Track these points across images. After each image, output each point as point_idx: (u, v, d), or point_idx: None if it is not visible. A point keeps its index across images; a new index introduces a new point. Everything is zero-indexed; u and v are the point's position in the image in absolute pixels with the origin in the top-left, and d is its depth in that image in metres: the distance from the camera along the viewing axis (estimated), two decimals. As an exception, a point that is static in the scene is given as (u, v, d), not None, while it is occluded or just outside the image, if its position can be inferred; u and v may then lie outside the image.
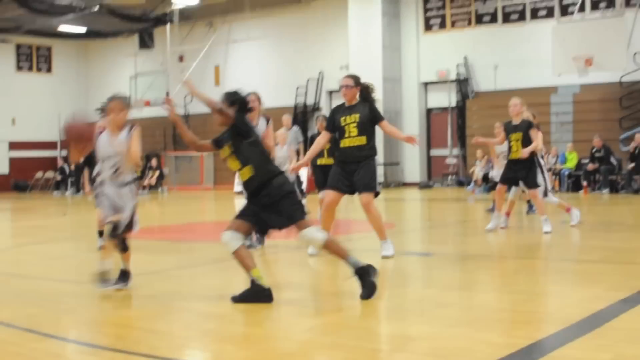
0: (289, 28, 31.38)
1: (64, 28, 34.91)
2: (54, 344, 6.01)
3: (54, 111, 36.19)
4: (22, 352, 5.64)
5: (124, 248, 7.93)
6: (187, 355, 5.57)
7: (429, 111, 29.99)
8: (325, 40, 30.45)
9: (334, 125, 9.93)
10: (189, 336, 6.15)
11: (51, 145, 36.23)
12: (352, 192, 9.87)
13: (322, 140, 10.15)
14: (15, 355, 5.55)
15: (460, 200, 21.58)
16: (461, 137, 28.63)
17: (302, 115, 29.35)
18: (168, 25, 32.22)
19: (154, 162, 30.60)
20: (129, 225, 7.84)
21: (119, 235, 7.74)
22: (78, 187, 29.99)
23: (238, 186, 26.29)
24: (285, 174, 7.67)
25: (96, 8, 30.26)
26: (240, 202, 8.98)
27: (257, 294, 7.23)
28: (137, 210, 7.99)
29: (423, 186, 28.43)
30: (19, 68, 36.91)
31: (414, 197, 16.24)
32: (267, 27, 31.73)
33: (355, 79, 9.99)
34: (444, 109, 29.43)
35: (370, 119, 9.79)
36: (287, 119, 16.17)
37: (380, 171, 27.58)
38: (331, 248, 7.37)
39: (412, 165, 29.56)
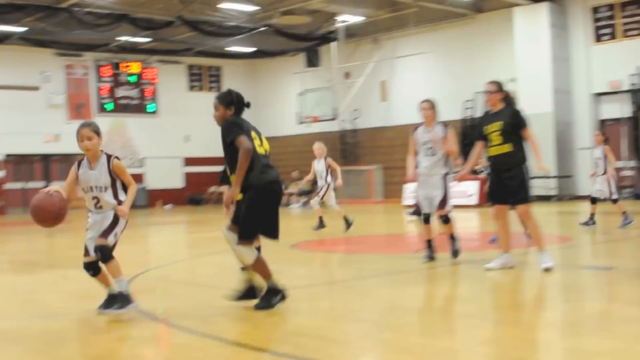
0: (455, 42, 31.17)
1: (232, 48, 35.98)
2: (236, 351, 6.18)
3: (225, 128, 37.29)
4: (205, 358, 5.82)
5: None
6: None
7: (602, 122, 29.09)
8: (492, 54, 30.05)
9: (481, 133, 9.86)
10: (366, 346, 6.19)
11: (222, 161, 37.26)
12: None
13: (476, 149, 10.09)
14: (199, 360, 5.74)
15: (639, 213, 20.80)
16: (637, 149, 27.61)
17: (470, 129, 29.05)
18: (334, 43, 32.64)
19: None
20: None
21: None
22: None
23: (408, 200, 26.31)
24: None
25: (263, 28, 31.04)
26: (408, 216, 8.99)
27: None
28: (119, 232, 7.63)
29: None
30: (191, 87, 38.23)
31: (589, 210, 15.75)
32: (432, 41, 31.62)
33: (498, 84, 9.89)
34: (618, 120, 28.47)
35: (514, 125, 9.64)
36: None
37: (552, 184, 26.99)
38: (257, 267, 7.55)
39: (586, 178, 28.72)
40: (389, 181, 31.62)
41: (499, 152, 9.72)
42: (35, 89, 33.31)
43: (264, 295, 7.50)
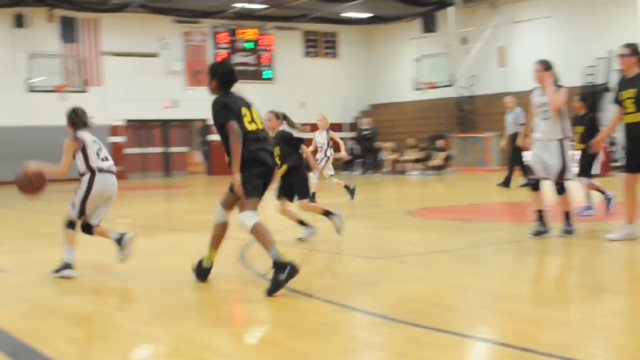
0: (575, 6, 30.25)
1: (348, 14, 35.84)
2: (354, 316, 6.17)
3: (339, 95, 37.30)
4: (324, 322, 5.83)
5: None
6: (485, 333, 5.51)
7: None
8: (613, 17, 29.05)
9: (617, 98, 9.46)
10: (485, 315, 6.09)
11: (339, 128, 37.35)
12: None
13: (615, 116, 9.71)
14: (317, 325, 5.75)
15: None
16: None
17: (591, 95, 28.23)
18: (451, 8, 32.16)
19: (440, 143, 30.73)
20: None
21: None
22: (366, 167, 30.69)
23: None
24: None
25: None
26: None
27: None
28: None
29: None
30: (307, 54, 38.30)
31: None
32: (553, 6, 30.78)
33: (633, 47, 9.40)
34: None
35: None
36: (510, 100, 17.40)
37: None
38: (257, 234, 7.11)
39: None
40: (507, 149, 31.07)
41: (632, 121, 9.32)
42: (155, 55, 33.95)
43: (272, 277, 6.85)
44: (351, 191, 16.14)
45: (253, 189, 7.21)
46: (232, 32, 35.73)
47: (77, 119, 8.49)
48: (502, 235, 11.30)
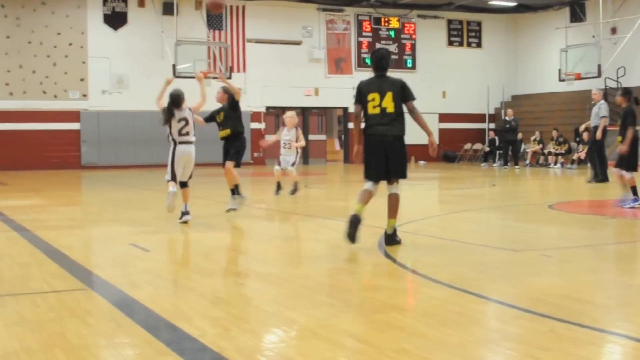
0: None
1: (494, 2, 35.27)
2: (494, 307, 6.06)
3: (481, 85, 36.77)
4: (463, 312, 5.74)
5: None
6: (631, 331, 5.30)
7: None
8: None
9: None
10: (631, 312, 5.87)
11: (480, 118, 36.87)
12: None
13: None
14: (456, 315, 5.66)
15: None
16: None
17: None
18: (602, -4, 31.20)
19: (584, 136, 29.88)
20: None
21: None
22: (506, 159, 30.18)
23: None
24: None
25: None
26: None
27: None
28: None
29: None
30: (450, 43, 37.89)
31: None
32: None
33: None
34: None
35: None
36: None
37: None
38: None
39: None
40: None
41: None
42: (298, 43, 34.30)
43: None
44: (293, 190, 15.96)
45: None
46: (376, 20, 35.71)
47: None
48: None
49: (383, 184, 8.94)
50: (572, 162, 29.20)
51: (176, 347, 4.86)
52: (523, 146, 32.05)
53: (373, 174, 8.90)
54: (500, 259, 8.34)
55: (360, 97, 8.89)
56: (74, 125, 30.88)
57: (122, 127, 31.05)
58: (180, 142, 11.35)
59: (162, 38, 30.87)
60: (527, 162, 31.11)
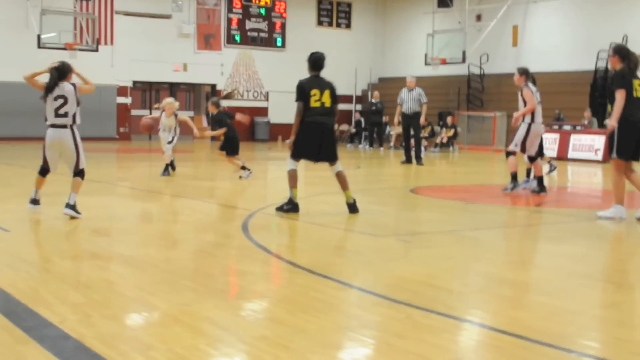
0: (593, -12, 30.08)
1: (365, -16, 35.71)
2: (353, 294, 6.22)
3: (349, 66, 37.17)
4: (323, 299, 5.87)
5: None
6: (483, 319, 5.54)
7: None
8: (631, 2, 28.87)
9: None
10: (483, 299, 6.13)
11: (347, 99, 37.29)
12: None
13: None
14: (316, 301, 5.79)
15: None
16: None
17: (602, 81, 28.12)
18: (467, -16, 32.01)
19: (448, 120, 30.68)
20: None
21: None
22: (371, 141, 30.67)
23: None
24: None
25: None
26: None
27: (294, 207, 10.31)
28: None
29: None
30: (320, 23, 38.13)
31: None
32: (570, -14, 30.61)
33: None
34: None
35: None
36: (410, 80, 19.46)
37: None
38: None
39: None
40: (512, 129, 30.95)
41: None
42: (167, 17, 33.83)
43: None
44: (167, 168, 16.25)
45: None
46: (246, -3, 35.58)
47: None
48: (502, 218, 11.34)
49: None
50: (436, 145, 29.92)
51: (36, 334, 4.80)
52: (388, 128, 32.60)
53: (302, 154, 10.63)
54: (361, 244, 8.53)
55: (304, 94, 10.45)
56: None
57: (-18, 98, 29.97)
58: (53, 125, 9.65)
59: (26, 6, 29.89)
60: (392, 144, 31.68)
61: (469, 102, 32.96)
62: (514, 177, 13.45)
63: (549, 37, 30.71)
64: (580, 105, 27.58)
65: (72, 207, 9.52)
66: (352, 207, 10.52)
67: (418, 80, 22.15)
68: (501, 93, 31.53)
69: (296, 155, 10.61)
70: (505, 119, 30.96)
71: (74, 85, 9.68)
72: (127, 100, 33.15)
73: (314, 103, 10.42)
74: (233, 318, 5.37)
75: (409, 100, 20.84)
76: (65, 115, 9.55)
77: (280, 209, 10.47)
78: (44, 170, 9.90)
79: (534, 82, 13.38)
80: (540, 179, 13.50)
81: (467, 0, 31.72)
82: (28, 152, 21.99)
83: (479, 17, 33.27)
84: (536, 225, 10.50)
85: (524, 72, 13.46)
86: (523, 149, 13.31)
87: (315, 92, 10.49)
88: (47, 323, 5.04)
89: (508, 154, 13.58)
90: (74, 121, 9.62)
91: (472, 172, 19.04)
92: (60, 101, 9.53)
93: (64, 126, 9.58)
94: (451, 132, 30.29)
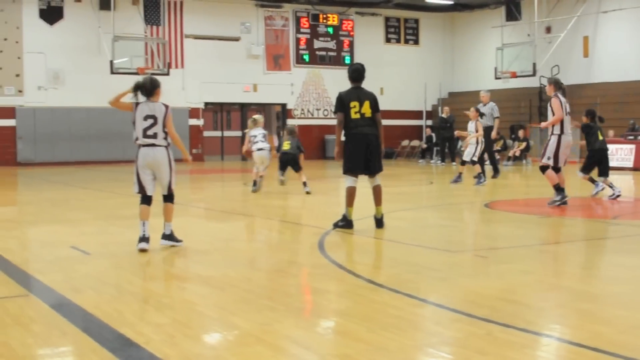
0: (665, -4, 29.56)
1: (431, 1, 35.65)
2: (432, 310, 6.21)
3: (420, 82, 37.16)
4: (402, 316, 5.88)
5: None
6: (563, 334, 5.49)
7: None
8: None
9: None
10: (563, 315, 6.07)
11: (418, 115, 37.27)
12: None
13: None
14: (395, 318, 5.80)
15: None
16: None
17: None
18: (538, -4, 31.75)
19: (520, 133, 30.41)
20: None
21: None
22: (443, 156, 30.56)
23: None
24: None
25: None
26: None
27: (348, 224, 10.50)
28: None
29: None
30: (388, 40, 38.20)
31: None
32: (642, -4, 30.14)
33: None
34: None
35: None
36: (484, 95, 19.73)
37: None
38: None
39: None
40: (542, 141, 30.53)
41: None
42: (236, 39, 34.27)
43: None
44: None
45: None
46: (314, 17, 35.83)
47: None
48: (581, 231, 11.19)
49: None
50: (509, 159, 29.67)
51: (122, 354, 4.91)
52: (460, 143, 32.43)
53: (355, 168, 10.54)
54: (436, 260, 8.51)
55: (343, 105, 10.43)
56: (10, 122, 30.47)
57: (59, 123, 30.73)
58: (145, 145, 9.09)
59: (99, 33, 30.61)
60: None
61: (540, 114, 32.60)
62: (558, 188, 13.30)
63: (620, 46, 30.29)
64: (656, 115, 27.15)
65: (169, 236, 9.32)
66: (379, 222, 10.65)
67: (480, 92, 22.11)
68: (573, 105, 31.04)
69: (348, 169, 10.60)
70: (577, 131, 30.53)
71: (166, 107, 9.22)
72: (200, 122, 33.60)
73: (354, 115, 10.45)
74: (314, 336, 5.42)
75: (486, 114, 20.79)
76: (155, 136, 9.04)
77: (335, 225, 10.63)
78: (145, 198, 9.18)
79: (564, 93, 13.32)
80: (562, 190, 13.42)
81: (536, 12, 31.46)
82: (103, 175, 22.46)
83: (548, 29, 32.98)
84: (614, 238, 10.35)
85: (553, 82, 13.50)
86: (556, 162, 13.18)
87: (354, 104, 10.49)
88: (133, 344, 5.14)
89: (543, 168, 13.45)
90: (167, 142, 9.09)
91: (545, 185, 18.73)
92: (150, 121, 9.08)
93: (155, 145, 9.07)
94: (523, 145, 29.99)
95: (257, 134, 16.81)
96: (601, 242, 10.11)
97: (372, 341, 5.19)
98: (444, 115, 30.68)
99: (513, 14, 34.18)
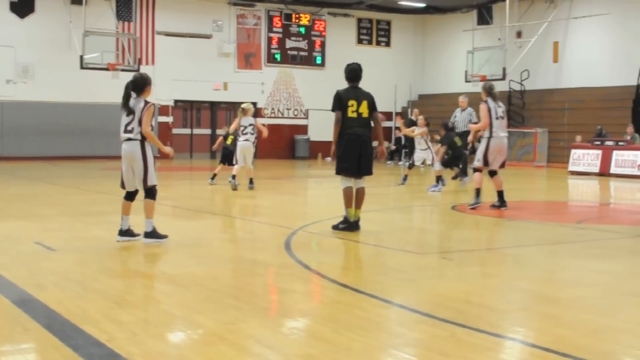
0: (634, 4, 29.83)
1: (403, 3, 35.74)
2: (397, 312, 6.23)
3: (391, 83, 37.25)
4: (366, 317, 5.89)
5: None
6: (527, 337, 5.53)
7: None
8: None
9: None
10: (527, 318, 6.12)
11: (387, 116, 37.30)
12: None
13: None
14: (360, 319, 5.81)
15: None
16: None
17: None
18: (507, 1, 31.89)
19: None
20: None
21: None
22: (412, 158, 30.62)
23: (572, 166, 25.65)
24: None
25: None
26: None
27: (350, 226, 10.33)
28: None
29: None
30: (360, 41, 38.24)
31: None
32: (611, 3, 30.37)
33: None
34: None
35: None
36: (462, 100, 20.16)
37: None
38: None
39: None
40: (554, 145, 30.78)
41: None
42: (208, 37, 34.14)
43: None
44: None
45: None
46: (286, 17, 35.78)
47: None
48: (545, 235, 11.26)
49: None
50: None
51: (84, 352, 4.88)
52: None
53: (348, 169, 10.45)
54: (403, 262, 8.53)
55: (341, 103, 10.49)
56: (-24, 115, 30.17)
57: (27, 117, 30.42)
58: (124, 140, 9.35)
59: (69, 28, 30.35)
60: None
61: (509, 118, 32.77)
62: (478, 192, 13.65)
63: (590, 52, 30.55)
64: (622, 121, 27.36)
65: (151, 234, 9.30)
66: (356, 225, 10.47)
67: (457, 96, 22.22)
68: (542, 109, 31.41)
69: (341, 170, 10.52)
70: (546, 135, 30.82)
71: (146, 103, 9.39)
72: (169, 119, 33.47)
73: (350, 114, 10.45)
74: (278, 336, 5.42)
75: (460, 120, 21.16)
76: (131, 131, 9.24)
77: (336, 227, 10.50)
78: (128, 194, 9.40)
79: (494, 98, 13.53)
80: (500, 194, 13.69)
81: (507, 17, 31.63)
82: (71, 171, 22.30)
83: (519, 34, 33.18)
84: (579, 242, 10.43)
85: (486, 88, 13.90)
86: (486, 163, 13.43)
87: (352, 102, 10.50)
88: (95, 341, 5.11)
89: (474, 170, 13.74)
90: (142, 136, 9.25)
91: (513, 189, 18.85)
92: (131, 117, 9.28)
93: (132, 139, 9.25)
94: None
95: (246, 125, 16.81)
96: (566, 246, 10.18)
97: (336, 341, 5.20)
98: (413, 118, 30.74)
99: (484, 18, 34.36)
